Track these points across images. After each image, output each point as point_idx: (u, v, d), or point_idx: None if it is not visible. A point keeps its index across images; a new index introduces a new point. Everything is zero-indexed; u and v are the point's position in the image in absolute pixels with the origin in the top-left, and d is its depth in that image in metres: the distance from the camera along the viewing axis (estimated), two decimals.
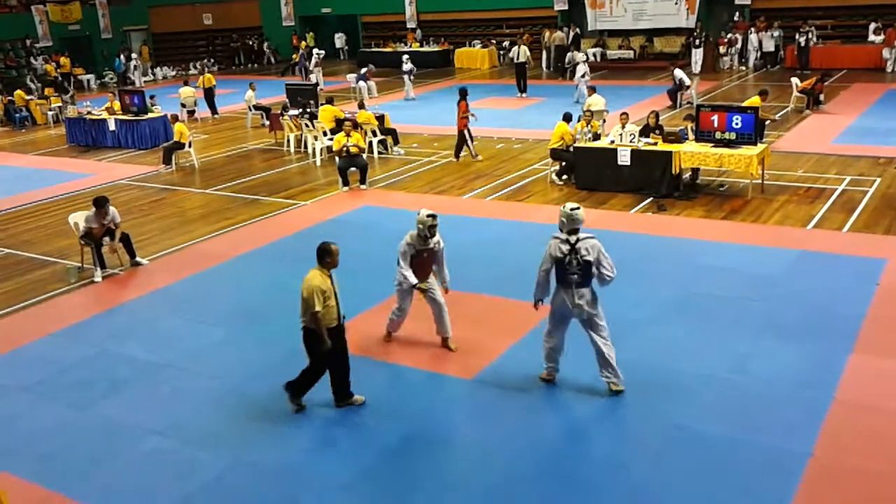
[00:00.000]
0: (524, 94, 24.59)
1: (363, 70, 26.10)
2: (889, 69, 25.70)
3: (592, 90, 17.83)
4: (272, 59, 38.84)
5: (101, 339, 9.26)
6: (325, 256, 7.06)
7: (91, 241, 11.17)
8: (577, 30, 30.87)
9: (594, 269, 7.06)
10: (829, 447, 6.42)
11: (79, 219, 11.55)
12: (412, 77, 25.74)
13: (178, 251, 12.23)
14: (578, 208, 7.13)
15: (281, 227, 13.02)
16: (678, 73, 21.58)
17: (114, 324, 9.74)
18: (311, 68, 29.55)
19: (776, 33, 27.63)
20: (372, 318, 9.04)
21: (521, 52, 24.84)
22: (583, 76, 23.15)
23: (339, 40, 39.08)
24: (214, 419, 7.40)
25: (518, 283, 9.89)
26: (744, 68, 28.17)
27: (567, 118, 14.88)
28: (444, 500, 6.10)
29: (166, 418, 7.42)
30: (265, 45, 39.06)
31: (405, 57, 25.68)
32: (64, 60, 33.41)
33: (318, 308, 6.87)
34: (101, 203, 11.25)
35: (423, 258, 8.20)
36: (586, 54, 26.11)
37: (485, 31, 35.91)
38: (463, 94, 16.75)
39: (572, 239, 7.06)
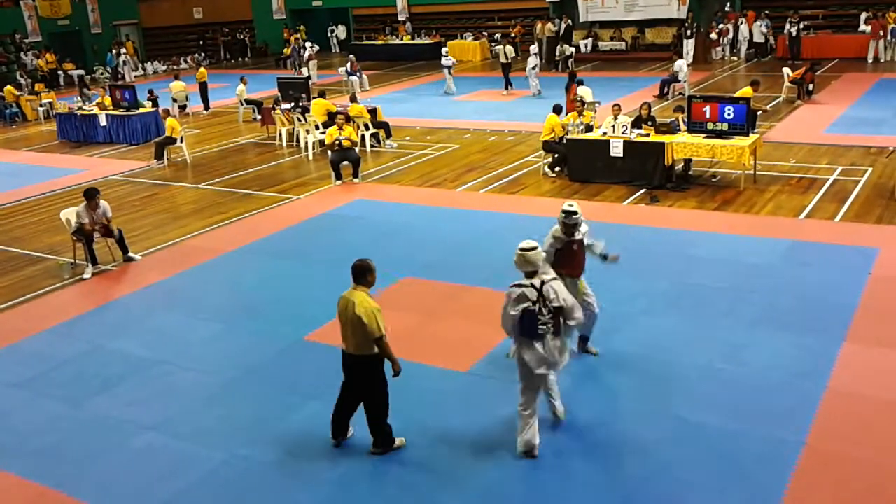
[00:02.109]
0: (509, 89, 24.32)
1: (348, 63, 26.03)
2: (870, 59, 25.71)
3: (580, 82, 17.83)
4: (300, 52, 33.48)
5: (94, 336, 9.23)
6: (367, 274, 6.42)
7: (83, 236, 11.13)
8: (570, 21, 30.83)
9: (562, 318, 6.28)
10: (823, 436, 6.45)
11: (70, 214, 11.51)
12: (451, 72, 25.02)
13: (171, 246, 12.19)
14: (534, 248, 6.31)
15: (274, 222, 12.99)
16: (679, 63, 21.61)
17: (107, 320, 9.71)
18: (305, 61, 29.46)
19: (764, 24, 27.62)
20: None
21: (507, 52, 24.66)
22: (533, 68, 23.11)
23: (342, 32, 38.80)
24: (208, 415, 7.39)
25: (511, 276, 9.89)
26: (735, 59, 28.19)
27: (557, 110, 14.88)
28: (439, 494, 6.10)
29: (160, 414, 7.41)
30: (296, 36, 37.31)
31: (444, 51, 25.45)
32: (49, 57, 33.29)
33: (383, 332, 6.25)
34: (91, 194, 11.21)
35: (573, 250, 7.57)
36: (540, 47, 25.92)
37: (476, 23, 35.84)
38: (573, 77, 17.52)
39: (536, 282, 6.25)
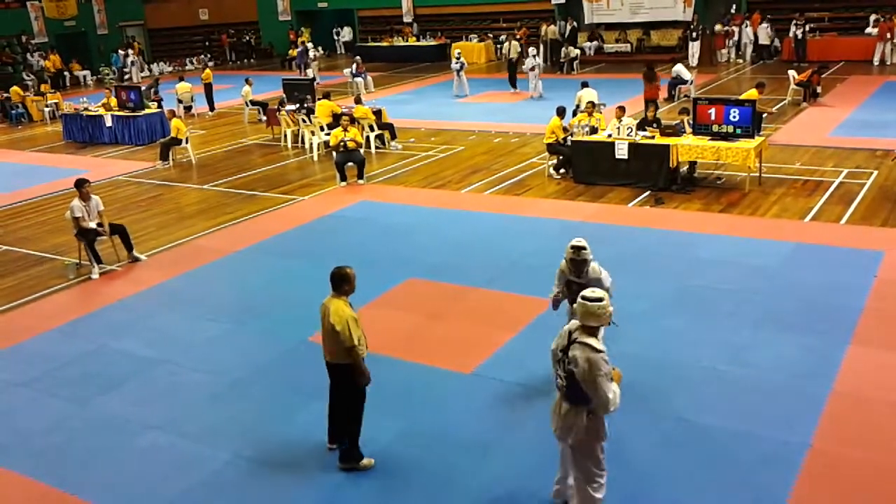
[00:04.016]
0: (516, 88, 24.36)
1: (353, 65, 26.06)
2: (876, 62, 25.64)
3: (585, 84, 17.83)
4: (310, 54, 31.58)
5: (99, 335, 9.25)
6: (344, 284, 6.18)
7: (84, 237, 11.15)
8: (575, 23, 30.83)
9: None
10: (828, 438, 6.43)
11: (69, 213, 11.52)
12: (460, 74, 24.73)
13: (176, 247, 12.22)
14: (601, 300, 5.15)
15: (279, 223, 13.01)
16: (676, 68, 21.60)
17: (112, 320, 9.73)
18: (308, 63, 29.49)
19: (770, 27, 27.57)
20: (368, 314, 9.02)
21: (513, 48, 24.62)
22: (531, 69, 23.06)
23: (347, 33, 38.85)
24: (212, 414, 7.40)
25: (515, 278, 9.93)
26: (741, 61, 28.15)
27: (560, 112, 14.85)
28: (443, 495, 6.10)
29: (164, 413, 7.43)
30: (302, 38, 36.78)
31: (457, 52, 25.47)
32: (53, 58, 33.40)
33: (355, 342, 6.07)
34: (80, 183, 11.29)
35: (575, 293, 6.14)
36: (538, 49, 25.75)
37: (481, 24, 35.85)
38: (650, 67, 18.64)
39: (574, 335, 5.18)
